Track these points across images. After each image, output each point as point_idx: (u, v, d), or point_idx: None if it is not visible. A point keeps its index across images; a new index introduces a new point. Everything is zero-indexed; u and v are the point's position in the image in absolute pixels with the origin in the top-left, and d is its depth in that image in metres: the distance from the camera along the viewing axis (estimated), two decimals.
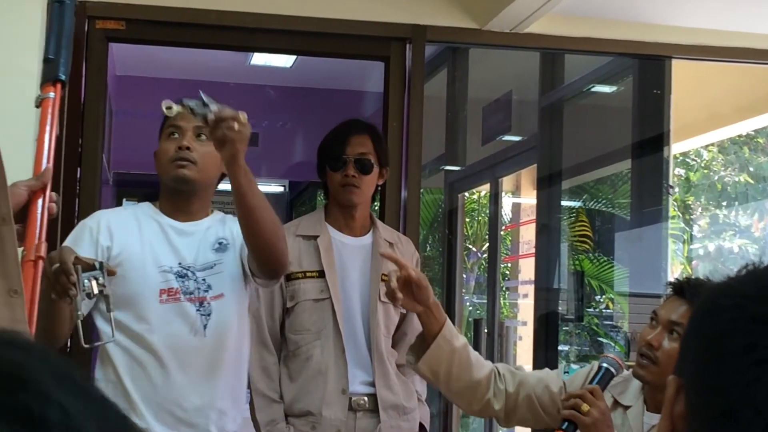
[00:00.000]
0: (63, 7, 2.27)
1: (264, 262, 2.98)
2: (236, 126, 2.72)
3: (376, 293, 3.67)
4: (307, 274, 3.66)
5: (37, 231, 1.84)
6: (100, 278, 2.53)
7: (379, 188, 3.91)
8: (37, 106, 1.98)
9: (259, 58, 6.55)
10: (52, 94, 1.99)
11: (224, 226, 3.20)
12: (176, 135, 3.13)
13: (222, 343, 3.10)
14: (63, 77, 2.05)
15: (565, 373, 2.91)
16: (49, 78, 2.04)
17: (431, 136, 5.55)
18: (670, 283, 2.81)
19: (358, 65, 6.02)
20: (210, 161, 3.12)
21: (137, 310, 3.03)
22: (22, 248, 1.92)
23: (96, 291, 2.52)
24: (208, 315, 3.08)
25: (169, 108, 2.73)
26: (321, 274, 3.65)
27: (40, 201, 1.90)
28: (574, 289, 6.61)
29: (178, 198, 3.17)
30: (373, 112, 6.15)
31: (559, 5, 4.45)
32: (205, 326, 3.08)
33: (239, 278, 3.16)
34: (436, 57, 6.23)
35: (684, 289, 2.72)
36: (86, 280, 2.51)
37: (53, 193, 1.93)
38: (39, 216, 1.87)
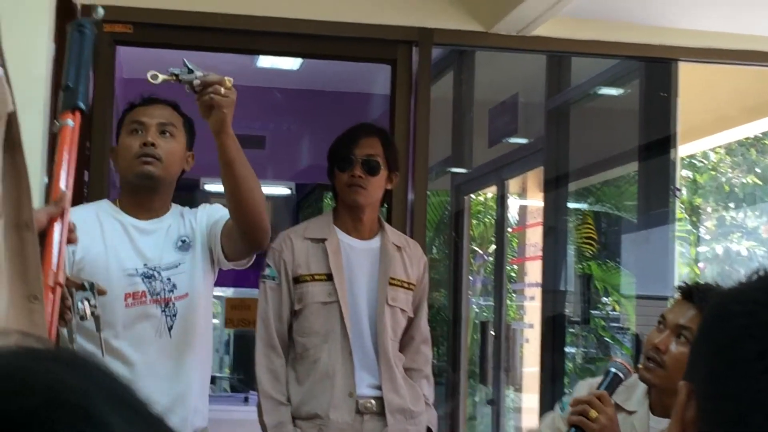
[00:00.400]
0: (83, 36, 2.29)
1: (250, 230, 2.98)
2: (222, 90, 2.73)
3: (383, 297, 3.68)
4: (315, 277, 3.67)
5: (55, 257, 1.84)
6: (92, 299, 2.50)
7: (388, 192, 3.91)
8: (55, 132, 1.99)
9: (266, 61, 6.55)
10: (70, 122, 2.01)
11: (184, 222, 3.19)
12: (139, 131, 3.12)
13: (188, 342, 3.10)
14: (82, 105, 2.06)
15: (561, 410, 2.90)
16: (68, 106, 2.05)
17: (437, 139, 5.55)
18: (679, 287, 2.81)
19: (365, 67, 6.02)
20: (174, 158, 3.14)
21: (102, 316, 3.02)
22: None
23: (89, 313, 2.50)
24: (174, 316, 3.09)
25: (154, 77, 2.73)
26: (329, 277, 3.65)
27: (57, 227, 1.90)
28: (580, 292, 6.61)
29: (140, 195, 3.16)
30: (379, 115, 6.14)
31: (565, 8, 4.45)
32: (170, 328, 3.07)
33: (203, 276, 3.16)
34: (443, 59, 6.23)
35: (692, 293, 2.71)
36: (79, 303, 2.48)
37: (72, 223, 1.94)
38: (57, 242, 1.88)
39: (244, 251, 3.12)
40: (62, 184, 1.95)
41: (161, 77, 2.71)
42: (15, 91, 1.79)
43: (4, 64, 1.76)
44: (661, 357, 2.68)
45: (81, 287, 2.51)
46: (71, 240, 1.94)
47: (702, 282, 2.85)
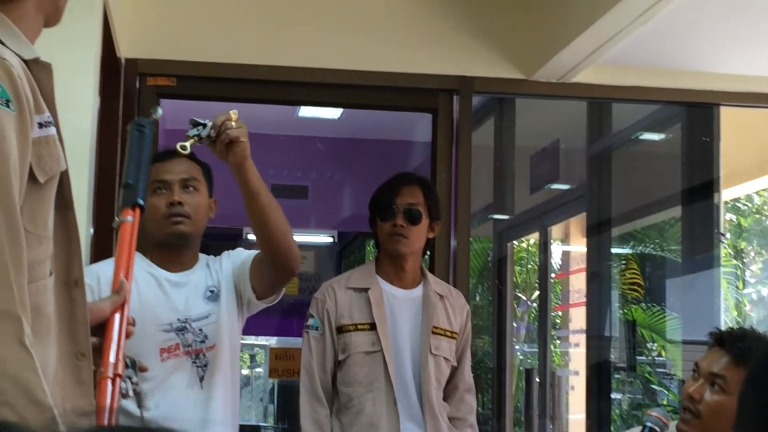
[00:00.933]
0: (142, 135, 2.36)
1: (283, 257, 2.99)
2: (234, 123, 2.75)
3: (426, 346, 3.67)
4: (359, 327, 3.67)
5: (114, 348, 1.86)
6: (134, 377, 2.51)
7: (431, 242, 3.91)
8: (116, 228, 2.03)
9: (307, 110, 6.59)
10: (130, 218, 2.05)
11: (210, 272, 3.20)
12: (163, 190, 3.13)
13: (218, 392, 3.10)
14: (141, 202, 2.12)
15: None
16: (128, 202, 2.11)
17: (479, 186, 5.56)
18: (710, 334, 2.76)
19: (405, 115, 6.04)
20: (201, 211, 3.16)
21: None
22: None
23: (131, 392, 2.50)
24: (204, 366, 3.09)
25: (183, 147, 2.75)
26: (372, 326, 3.66)
27: (117, 317, 1.92)
28: (625, 338, 6.56)
29: (171, 251, 3.17)
30: (420, 162, 6.15)
31: (605, 54, 4.46)
32: (201, 378, 3.09)
33: (232, 325, 3.17)
34: (483, 106, 6.24)
35: (724, 339, 2.67)
36: (122, 382, 2.48)
37: (131, 317, 1.96)
38: (117, 333, 1.90)
39: (275, 282, 3.12)
40: (121, 277, 1.99)
41: (188, 144, 2.74)
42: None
43: (57, 124, 1.79)
44: (696, 407, 2.64)
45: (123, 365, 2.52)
46: (129, 333, 1.96)
47: (734, 328, 2.81)
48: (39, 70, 1.80)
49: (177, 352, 3.07)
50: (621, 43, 4.31)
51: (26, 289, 1.63)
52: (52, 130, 1.76)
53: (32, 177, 1.69)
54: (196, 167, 3.21)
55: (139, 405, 2.66)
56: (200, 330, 3.10)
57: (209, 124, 2.75)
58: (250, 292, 3.14)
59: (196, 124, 2.73)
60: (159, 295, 3.13)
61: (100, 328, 1.95)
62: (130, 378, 2.46)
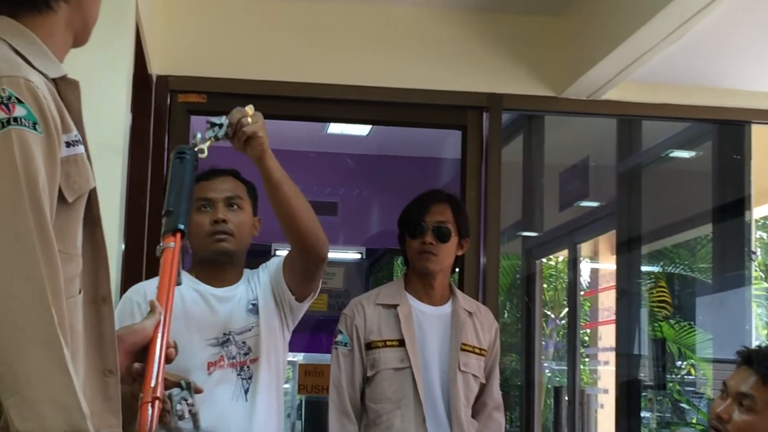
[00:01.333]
0: (183, 162, 2.39)
1: (307, 247, 3.01)
2: (249, 119, 2.76)
3: (455, 363, 3.67)
4: (387, 343, 3.67)
5: (155, 371, 1.87)
6: (189, 399, 2.51)
7: (460, 259, 3.90)
8: (159, 256, 2.05)
9: (336, 127, 6.60)
10: (172, 244, 2.07)
11: (251, 286, 3.23)
12: (208, 208, 3.18)
13: (260, 407, 3.11)
14: (182, 227, 2.15)
15: None
16: (169, 229, 2.13)
17: (508, 203, 5.55)
18: (738, 353, 2.74)
19: (434, 132, 6.04)
20: (244, 229, 3.20)
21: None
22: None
23: (187, 414, 2.50)
24: (249, 379, 3.11)
25: (201, 151, 2.74)
26: (401, 343, 3.66)
27: (159, 339, 1.93)
28: (655, 356, 6.53)
29: (216, 268, 3.21)
30: (449, 179, 6.16)
31: (635, 72, 4.45)
32: (246, 391, 3.10)
33: (275, 337, 3.18)
34: (512, 123, 6.24)
35: (752, 358, 2.65)
36: (178, 404, 2.47)
37: (173, 340, 1.97)
38: (157, 355, 1.91)
39: (308, 273, 3.13)
40: (164, 304, 2.00)
41: (205, 146, 2.74)
42: (95, 161, 1.84)
43: (85, 141, 1.81)
44: (725, 426, 2.62)
45: (177, 385, 2.53)
46: (170, 356, 1.97)
47: (762, 346, 2.78)
48: (66, 87, 1.80)
49: (222, 364, 3.09)
50: (651, 60, 4.31)
51: (65, 311, 1.64)
52: (80, 148, 1.77)
53: (60, 196, 1.70)
54: (240, 186, 3.24)
55: (195, 426, 2.67)
56: (243, 342, 3.13)
57: (225, 122, 2.75)
58: (288, 294, 3.16)
59: (212, 125, 2.73)
60: (205, 310, 3.16)
61: (143, 353, 1.95)
62: (185, 399, 2.46)
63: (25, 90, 1.65)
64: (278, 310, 3.20)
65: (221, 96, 4.62)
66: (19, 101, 1.63)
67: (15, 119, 1.62)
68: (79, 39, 1.91)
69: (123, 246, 3.73)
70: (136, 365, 1.95)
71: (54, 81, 1.78)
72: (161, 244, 2.12)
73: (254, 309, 3.18)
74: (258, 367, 3.12)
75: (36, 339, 1.55)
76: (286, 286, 3.16)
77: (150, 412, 1.84)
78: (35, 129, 1.64)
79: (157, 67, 4.48)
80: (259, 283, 3.22)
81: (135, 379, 1.94)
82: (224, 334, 3.13)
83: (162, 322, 1.95)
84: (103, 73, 3.26)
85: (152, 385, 1.84)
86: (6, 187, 1.59)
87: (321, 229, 3.02)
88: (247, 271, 3.28)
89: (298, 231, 2.98)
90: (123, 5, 3.42)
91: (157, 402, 1.86)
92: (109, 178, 3.15)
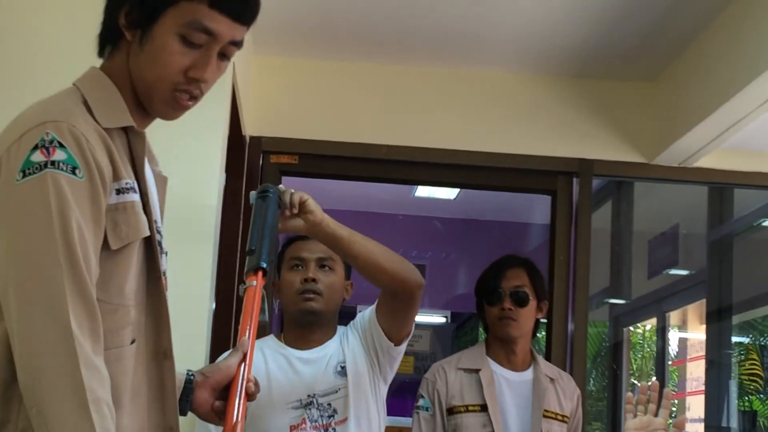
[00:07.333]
0: (267, 201, 2.40)
1: (400, 285, 2.95)
2: (297, 197, 2.66)
3: (538, 429, 3.63)
4: (470, 408, 3.65)
5: (236, 410, 1.87)
6: None
7: (539, 322, 3.88)
8: (242, 295, 2.07)
9: (424, 191, 6.63)
10: (254, 282, 2.09)
11: (341, 347, 3.21)
12: (300, 267, 3.20)
13: None
14: (264, 265, 2.15)
15: None
16: (251, 268, 2.14)
17: (596, 269, 5.50)
18: None
19: (522, 197, 6.04)
20: (334, 291, 3.21)
21: None
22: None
23: None
24: None
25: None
26: (483, 408, 3.64)
27: (241, 376, 1.93)
28: (745, 430, 6.38)
29: (303, 328, 3.22)
30: (538, 245, 6.13)
31: (728, 140, 4.41)
32: None
33: (365, 397, 3.14)
34: (601, 189, 6.21)
35: None
36: None
37: (254, 376, 1.98)
38: (238, 393, 1.91)
39: (404, 308, 3.07)
40: (246, 339, 2.00)
41: (251, 198, 2.64)
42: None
43: (143, 190, 1.82)
44: None
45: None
46: (248, 391, 1.96)
47: None
48: (134, 137, 1.83)
49: (304, 427, 3.08)
50: (746, 127, 4.26)
51: (101, 356, 1.64)
52: (134, 196, 1.78)
53: (105, 243, 1.71)
54: None
55: None
56: (328, 405, 3.12)
57: (283, 196, 2.61)
58: (385, 342, 3.13)
59: (268, 194, 2.60)
60: (289, 373, 3.16)
61: (225, 391, 1.96)
62: None
63: (67, 134, 1.67)
64: (370, 368, 3.17)
65: (312, 157, 4.68)
66: (61, 145, 1.66)
67: (53, 162, 1.64)
68: (144, 98, 1.87)
69: (213, 305, 3.77)
70: (217, 403, 1.96)
71: (124, 130, 1.81)
72: (244, 282, 2.13)
73: (342, 371, 3.18)
74: (346, 428, 3.11)
75: (58, 382, 1.55)
76: (382, 332, 3.12)
77: None
78: (74, 174, 1.66)
79: (250, 128, 4.56)
80: (347, 342, 3.21)
81: (220, 417, 1.94)
82: (308, 396, 3.12)
83: (243, 360, 1.95)
84: (201, 134, 3.33)
85: (233, 421, 1.84)
86: (39, 229, 1.61)
87: (405, 259, 2.98)
88: (341, 329, 3.28)
89: (386, 275, 2.91)
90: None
91: None
92: (202, 236, 3.20)
